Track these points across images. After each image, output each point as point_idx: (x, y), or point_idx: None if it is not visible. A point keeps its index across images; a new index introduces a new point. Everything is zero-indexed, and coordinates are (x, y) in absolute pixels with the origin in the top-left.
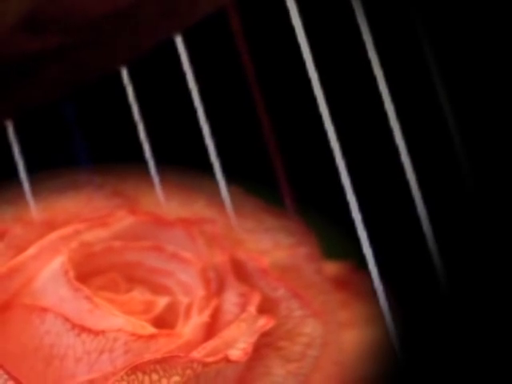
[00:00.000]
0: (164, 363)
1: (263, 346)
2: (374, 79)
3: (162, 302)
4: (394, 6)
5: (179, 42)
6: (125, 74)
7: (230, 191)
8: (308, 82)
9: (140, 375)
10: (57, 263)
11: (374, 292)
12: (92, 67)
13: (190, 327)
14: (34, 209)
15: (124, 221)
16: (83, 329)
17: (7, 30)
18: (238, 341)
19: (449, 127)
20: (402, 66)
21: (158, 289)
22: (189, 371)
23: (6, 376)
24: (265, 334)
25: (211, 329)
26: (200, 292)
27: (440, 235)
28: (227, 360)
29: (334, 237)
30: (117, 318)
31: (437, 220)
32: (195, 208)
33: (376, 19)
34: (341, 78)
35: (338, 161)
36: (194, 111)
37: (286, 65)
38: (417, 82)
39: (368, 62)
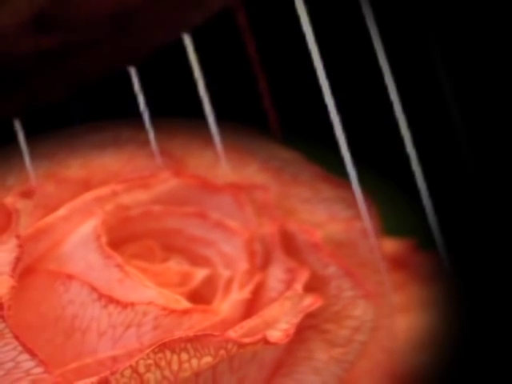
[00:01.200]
0: (196, 342)
1: (307, 328)
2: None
3: (200, 274)
4: None
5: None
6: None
7: (287, 156)
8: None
9: (168, 354)
10: (89, 226)
11: (435, 275)
12: (98, 66)
13: (228, 303)
14: (70, 165)
15: (167, 183)
16: (111, 300)
17: (15, 29)
18: (279, 321)
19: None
20: (401, 33)
21: (196, 259)
22: (222, 352)
23: (20, 348)
24: (310, 315)
25: (251, 306)
26: (243, 265)
27: None
28: (266, 341)
29: (396, 211)
30: (148, 290)
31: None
32: (247, 172)
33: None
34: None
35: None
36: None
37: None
38: (416, 57)
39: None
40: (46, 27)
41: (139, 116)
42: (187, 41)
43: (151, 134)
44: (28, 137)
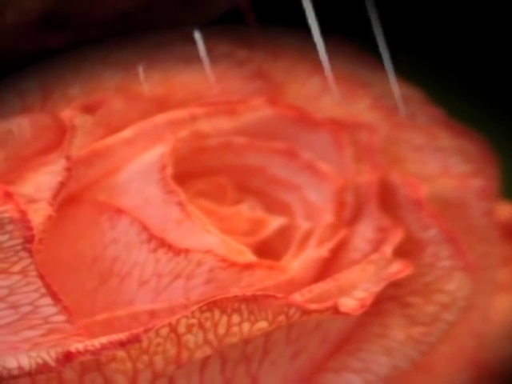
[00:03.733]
0: (253, 303)
1: (387, 299)
2: None
3: (275, 223)
4: None
5: None
6: None
7: (406, 93)
8: None
9: (217, 314)
10: (154, 154)
11: None
12: None
13: (300, 261)
14: (147, 80)
15: (257, 112)
16: (162, 243)
17: (27, 26)
18: (356, 288)
19: None
20: None
21: (273, 206)
22: (282, 318)
23: (43, 290)
24: (393, 285)
25: (327, 268)
26: (327, 217)
27: None
28: (335, 310)
29: None
30: (210, 236)
31: None
32: (355, 108)
33: None
34: None
35: None
36: None
37: None
38: None
39: None
40: (56, 26)
41: (239, 29)
42: None
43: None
44: (102, 42)
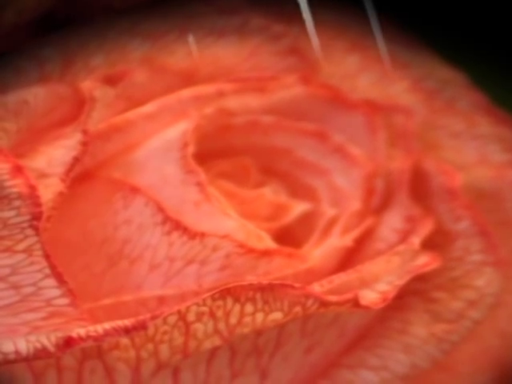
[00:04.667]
0: (268, 292)
1: (411, 293)
2: None
3: (298, 208)
4: None
5: None
6: None
7: (448, 76)
8: None
9: (230, 302)
10: (176, 131)
11: None
12: None
13: (322, 250)
14: (175, 52)
15: (289, 90)
16: (177, 226)
17: (22, 27)
18: (379, 280)
19: None
20: None
21: (298, 190)
22: (298, 309)
23: (47, 271)
24: (419, 278)
25: (350, 258)
26: (354, 204)
27: None
28: (355, 303)
29: None
30: (228, 220)
31: None
32: (393, 90)
33: None
34: None
35: None
36: None
37: None
38: None
39: None
40: (53, 26)
41: (276, 2)
42: None
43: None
44: (130, 12)
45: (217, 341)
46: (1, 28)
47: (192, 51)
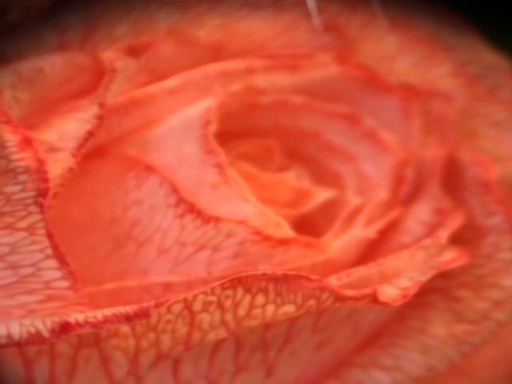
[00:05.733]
0: (282, 283)
1: (433, 290)
2: None
3: (322, 195)
4: None
5: None
6: None
7: (492, 61)
8: None
9: (240, 293)
10: (199, 108)
11: None
12: None
13: (342, 240)
14: (205, 24)
15: (323, 70)
16: (191, 209)
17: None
18: (401, 275)
19: None
20: None
21: (324, 176)
22: (312, 303)
23: (49, 251)
24: (443, 275)
25: (372, 250)
26: (381, 194)
27: None
28: (373, 299)
29: None
30: (246, 205)
31: None
32: (433, 74)
33: None
34: None
35: None
36: None
37: None
38: None
39: None
40: None
41: None
42: None
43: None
44: None
45: (222, 333)
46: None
47: (223, 24)
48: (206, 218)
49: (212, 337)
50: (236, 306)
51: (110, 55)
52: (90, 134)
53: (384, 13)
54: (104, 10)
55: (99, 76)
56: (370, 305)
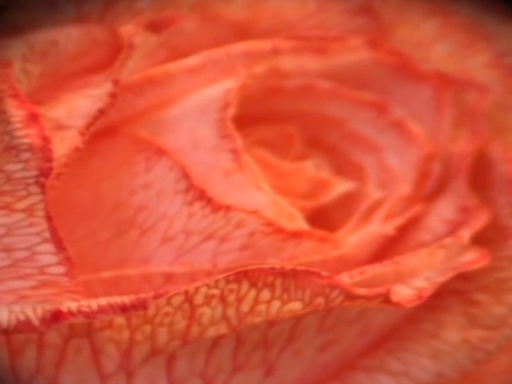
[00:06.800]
0: (290, 279)
1: (450, 293)
2: None
3: (341, 187)
4: None
5: None
6: None
7: None
8: None
9: (245, 287)
10: (219, 89)
11: None
12: None
13: (358, 236)
14: (232, 1)
15: (354, 54)
16: (201, 196)
17: None
18: (418, 275)
19: None
20: None
21: (344, 166)
22: (320, 300)
23: (47, 235)
24: (462, 277)
25: (389, 247)
26: (404, 188)
27: None
28: (386, 299)
29: None
30: (259, 194)
31: None
32: (469, 63)
33: None
34: None
35: None
36: None
37: None
38: None
39: None
40: None
41: None
42: None
43: None
44: None
45: (223, 329)
46: None
47: (251, 1)
48: (216, 207)
49: (211, 332)
50: (239, 300)
51: (129, 30)
52: (101, 112)
53: None
54: None
55: (116, 51)
56: (381, 305)
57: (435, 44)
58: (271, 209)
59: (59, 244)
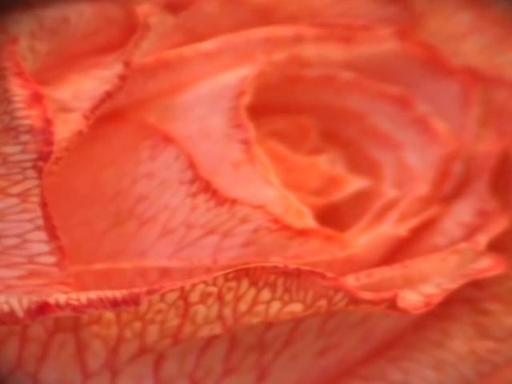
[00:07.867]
0: (293, 279)
1: (460, 301)
2: None
3: (355, 184)
4: None
5: None
6: None
7: None
8: None
9: (244, 285)
10: (235, 76)
11: None
12: None
13: (369, 237)
14: None
15: (381, 44)
16: (206, 188)
17: None
18: (428, 281)
19: None
20: None
21: (360, 163)
22: (322, 303)
23: (40, 222)
24: (474, 284)
25: (401, 250)
26: (421, 188)
27: None
28: (392, 305)
29: None
30: (268, 188)
31: None
32: (502, 59)
33: None
34: None
35: None
36: None
37: None
38: None
39: None
40: None
41: None
42: None
43: None
44: None
45: (217, 329)
46: None
47: None
48: (221, 200)
49: (205, 332)
50: (237, 300)
51: (145, 9)
52: (109, 95)
53: None
54: None
55: (130, 31)
56: (386, 311)
57: (467, 37)
58: (279, 204)
59: (52, 232)
